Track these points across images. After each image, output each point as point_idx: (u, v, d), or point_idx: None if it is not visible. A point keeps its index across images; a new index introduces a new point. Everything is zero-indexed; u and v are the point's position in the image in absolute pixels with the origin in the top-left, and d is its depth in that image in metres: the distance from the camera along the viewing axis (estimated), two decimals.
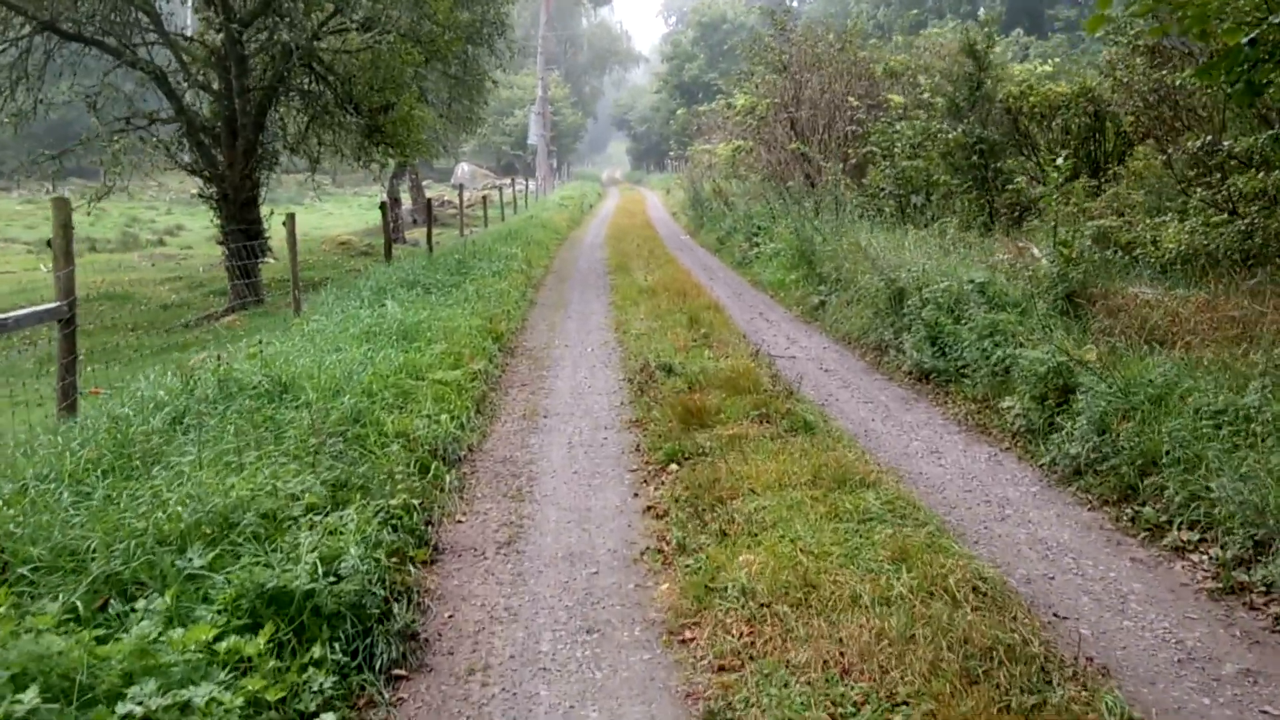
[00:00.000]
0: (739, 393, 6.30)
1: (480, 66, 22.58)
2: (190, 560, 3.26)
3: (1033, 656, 3.01)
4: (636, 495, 4.90)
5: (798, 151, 15.78)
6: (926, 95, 13.25)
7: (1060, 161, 7.63)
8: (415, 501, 4.38)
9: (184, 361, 6.26)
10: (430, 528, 4.42)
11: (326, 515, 3.79)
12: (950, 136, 11.39)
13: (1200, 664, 3.17)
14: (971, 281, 7.13)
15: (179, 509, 3.53)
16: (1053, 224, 7.56)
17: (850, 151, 16.69)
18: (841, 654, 3.07)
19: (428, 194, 35.78)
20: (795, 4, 68.34)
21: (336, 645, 3.08)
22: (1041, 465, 5.13)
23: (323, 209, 45.46)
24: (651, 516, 4.58)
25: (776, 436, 5.41)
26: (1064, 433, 5.09)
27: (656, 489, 4.93)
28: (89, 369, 6.92)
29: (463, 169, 55.69)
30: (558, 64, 65.28)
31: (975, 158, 11.75)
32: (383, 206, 14.08)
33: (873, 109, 16.35)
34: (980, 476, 5.06)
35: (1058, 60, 15.80)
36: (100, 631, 2.82)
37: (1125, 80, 10.18)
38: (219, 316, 13.30)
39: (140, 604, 2.99)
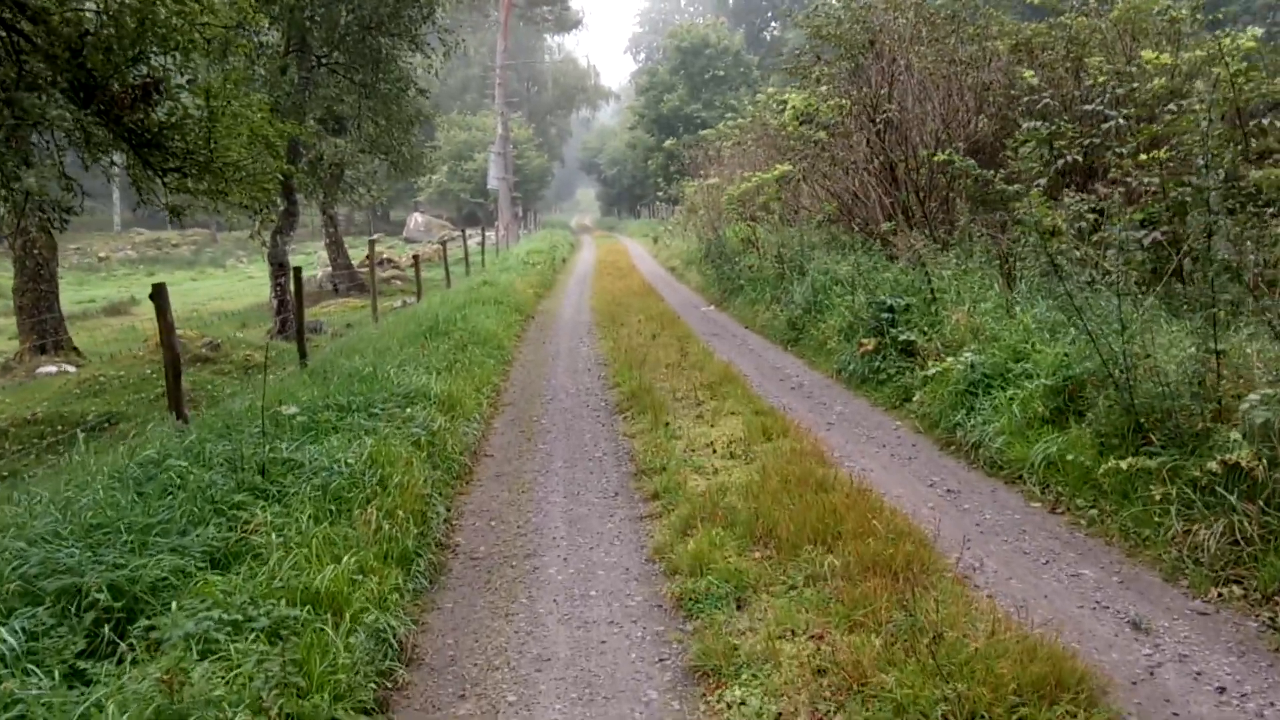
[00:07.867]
0: None
1: (399, 69, 15.43)
2: None
3: None
4: None
5: (959, 166, 8.63)
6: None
7: None
8: None
9: None
10: None
11: None
12: None
13: None
14: None
15: None
16: None
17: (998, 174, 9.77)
18: None
19: (364, 252, 27.95)
20: (772, 33, 62.29)
21: None
22: None
23: (244, 271, 37.59)
24: None
25: None
26: None
27: None
28: None
29: (416, 219, 48.34)
30: (521, 104, 58.44)
31: None
32: (154, 295, 6.75)
33: (1056, 101, 9.39)
34: None
35: None
36: None
37: None
38: None
39: None
